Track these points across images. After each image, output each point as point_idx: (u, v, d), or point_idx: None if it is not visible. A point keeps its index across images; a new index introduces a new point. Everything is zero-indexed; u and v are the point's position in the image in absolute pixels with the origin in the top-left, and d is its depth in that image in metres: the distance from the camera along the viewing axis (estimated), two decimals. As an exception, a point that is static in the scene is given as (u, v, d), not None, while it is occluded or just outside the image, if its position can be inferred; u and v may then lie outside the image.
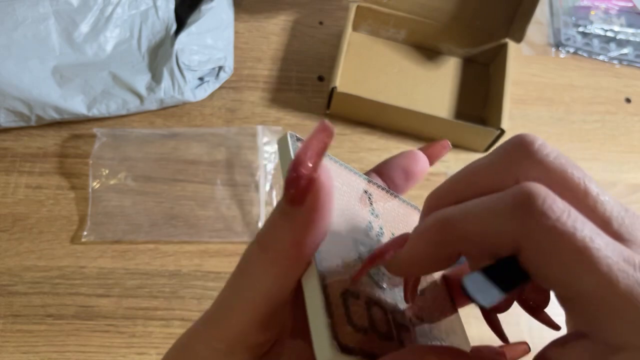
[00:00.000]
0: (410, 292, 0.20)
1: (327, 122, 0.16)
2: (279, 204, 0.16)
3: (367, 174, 0.23)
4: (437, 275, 0.22)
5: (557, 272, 0.14)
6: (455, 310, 0.22)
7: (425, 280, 0.21)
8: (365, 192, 0.22)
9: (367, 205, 0.21)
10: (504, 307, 0.19)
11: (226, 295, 0.18)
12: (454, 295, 0.22)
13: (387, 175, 0.23)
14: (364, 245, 0.20)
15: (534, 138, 0.16)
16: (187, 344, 0.18)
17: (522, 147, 0.16)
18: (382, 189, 0.22)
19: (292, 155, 0.19)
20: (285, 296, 0.17)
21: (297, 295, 0.18)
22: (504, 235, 0.15)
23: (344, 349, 0.15)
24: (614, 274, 0.13)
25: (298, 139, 0.20)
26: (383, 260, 0.18)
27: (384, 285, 0.19)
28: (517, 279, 0.15)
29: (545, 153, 0.16)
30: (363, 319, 0.17)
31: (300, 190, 0.15)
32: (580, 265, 0.14)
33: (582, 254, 0.14)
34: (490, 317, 0.20)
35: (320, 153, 0.15)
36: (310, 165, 0.15)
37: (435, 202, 0.18)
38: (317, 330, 0.16)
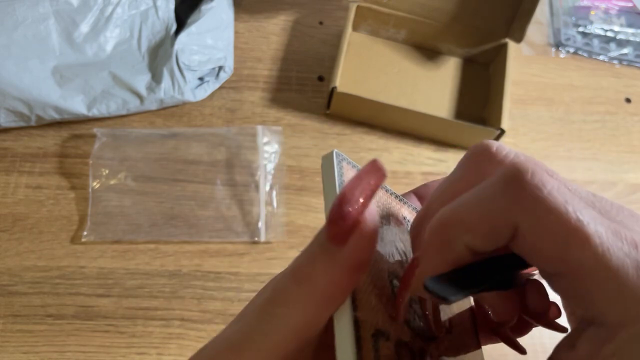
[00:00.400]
0: (434, 325, 0.19)
1: (379, 162, 0.15)
2: (319, 237, 0.16)
3: (406, 195, 0.22)
4: (465, 310, 0.22)
5: (551, 247, 0.14)
6: (479, 347, 0.21)
7: (454, 316, 0.21)
8: (404, 218, 0.21)
9: (405, 233, 0.20)
10: (510, 319, 0.18)
11: (253, 323, 0.17)
12: (480, 331, 0.22)
13: (425, 199, 0.23)
14: (398, 278, 0.19)
15: (491, 142, 0.17)
16: None
17: (482, 152, 0.17)
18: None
19: (337, 184, 0.18)
20: (314, 333, 0.16)
21: (321, 340, 0.18)
22: (500, 214, 0.15)
23: None
24: (605, 247, 0.13)
25: (344, 159, 0.19)
26: (410, 287, 0.17)
27: (413, 321, 0.18)
28: (477, 283, 0.15)
29: (504, 154, 0.17)
30: None
31: (344, 230, 0.15)
32: (573, 239, 0.14)
33: (574, 228, 0.14)
34: (501, 332, 0.20)
35: (370, 196, 0.15)
36: (357, 206, 0.15)
37: (420, 228, 0.18)
38: None
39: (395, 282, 0.18)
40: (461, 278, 0.15)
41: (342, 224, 0.15)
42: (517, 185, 0.14)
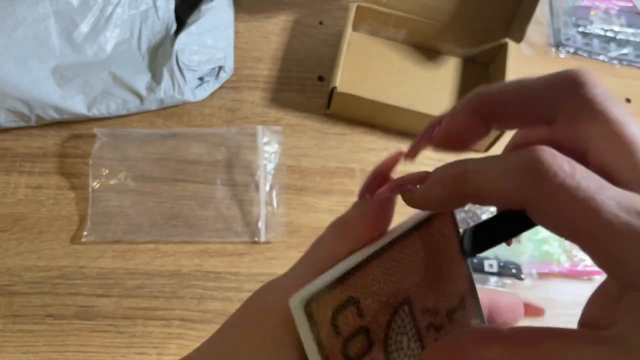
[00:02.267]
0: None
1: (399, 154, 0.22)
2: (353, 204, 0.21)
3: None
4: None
5: (564, 228, 0.15)
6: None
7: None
8: None
9: None
10: None
11: (301, 259, 0.21)
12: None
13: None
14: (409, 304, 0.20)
15: (585, 73, 0.17)
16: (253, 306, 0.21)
17: (569, 81, 0.17)
18: None
19: (311, 337, 0.19)
20: None
21: None
22: (511, 194, 0.16)
23: None
24: (612, 216, 0.14)
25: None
26: (402, 188, 0.20)
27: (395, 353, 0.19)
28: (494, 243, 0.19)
29: (593, 93, 0.17)
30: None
31: (373, 186, 0.21)
32: (586, 220, 0.14)
33: (586, 214, 0.14)
34: None
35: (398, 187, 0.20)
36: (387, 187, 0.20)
37: (481, 99, 0.19)
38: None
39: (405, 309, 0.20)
40: (483, 237, 0.20)
41: (371, 184, 0.21)
42: (533, 175, 0.15)
